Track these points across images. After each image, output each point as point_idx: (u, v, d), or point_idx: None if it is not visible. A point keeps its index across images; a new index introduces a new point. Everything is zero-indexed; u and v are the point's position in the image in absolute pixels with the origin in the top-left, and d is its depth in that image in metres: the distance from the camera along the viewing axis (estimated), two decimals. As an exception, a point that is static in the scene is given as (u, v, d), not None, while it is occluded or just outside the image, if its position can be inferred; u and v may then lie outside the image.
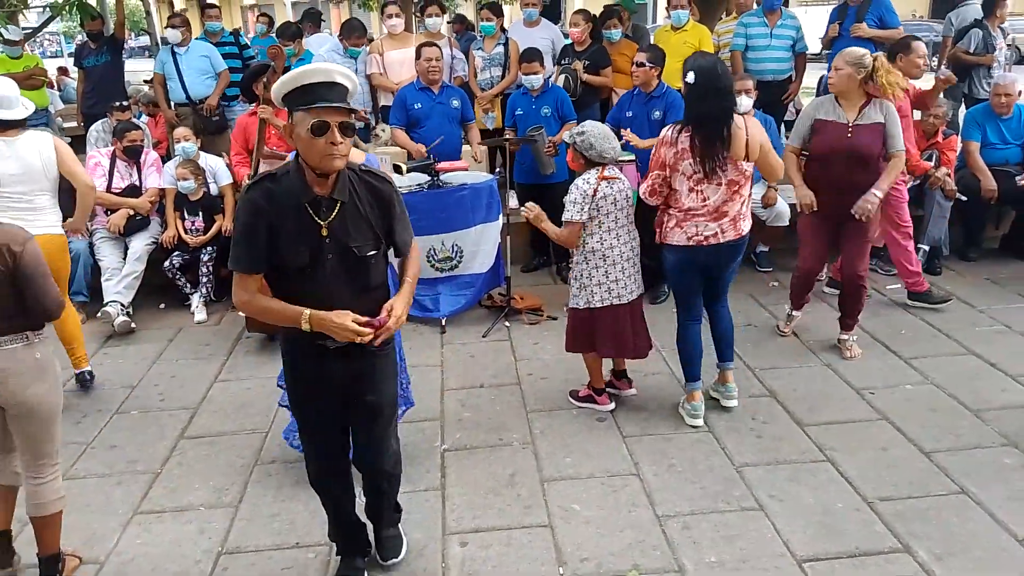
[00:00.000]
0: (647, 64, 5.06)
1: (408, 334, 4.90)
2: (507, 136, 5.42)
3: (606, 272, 3.84)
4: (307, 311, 2.34)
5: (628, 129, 5.15)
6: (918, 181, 5.81)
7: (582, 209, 3.74)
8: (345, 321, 2.34)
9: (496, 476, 3.58)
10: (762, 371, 4.49)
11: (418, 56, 5.48)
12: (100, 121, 6.20)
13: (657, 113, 5.06)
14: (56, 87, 11.99)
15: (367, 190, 2.44)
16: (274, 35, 7.86)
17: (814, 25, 9.83)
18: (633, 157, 5.04)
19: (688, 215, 3.75)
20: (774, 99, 6.71)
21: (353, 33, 6.76)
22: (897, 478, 3.47)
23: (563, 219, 3.78)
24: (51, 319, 2.82)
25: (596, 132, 3.73)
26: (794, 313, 4.98)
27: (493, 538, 3.16)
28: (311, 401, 2.66)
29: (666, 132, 3.73)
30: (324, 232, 2.36)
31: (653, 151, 3.81)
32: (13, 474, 2.95)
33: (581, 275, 3.90)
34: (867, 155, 4.27)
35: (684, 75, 3.62)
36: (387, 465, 2.86)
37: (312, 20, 7.78)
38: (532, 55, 5.63)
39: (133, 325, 5.34)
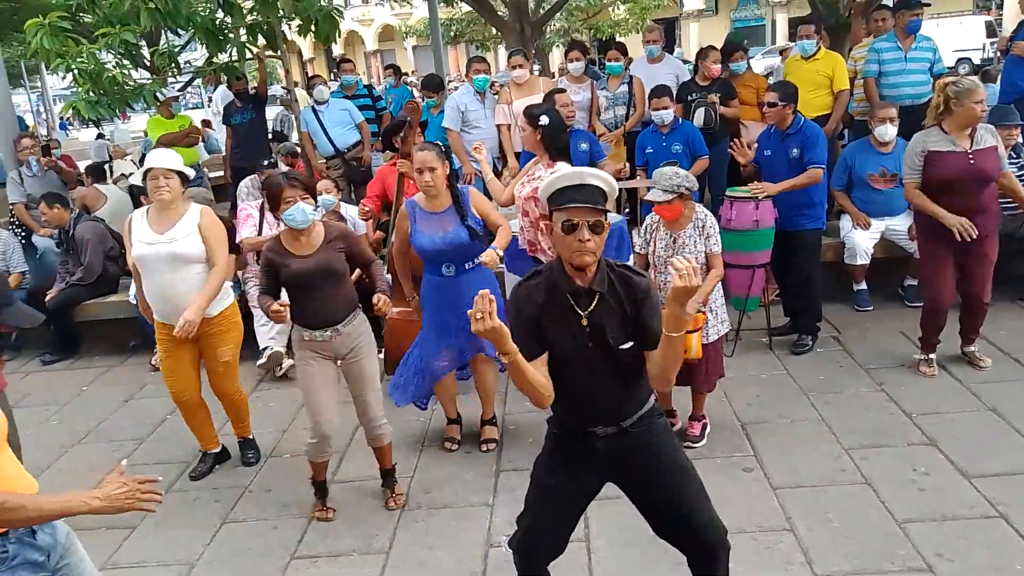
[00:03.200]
0: (779, 103, 4.92)
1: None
2: (639, 176, 5.40)
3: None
4: None
5: (760, 175, 5.06)
6: None
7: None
8: None
9: (639, 528, 3.46)
10: (920, 416, 4.24)
11: (552, 104, 5.53)
12: (249, 177, 6.59)
13: (795, 151, 4.91)
14: (201, 140, 12.88)
15: (622, 283, 2.47)
16: (407, 85, 8.16)
17: (947, 38, 9.35)
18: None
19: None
20: (914, 124, 6.38)
21: (432, 84, 7.33)
22: (1083, 538, 3.19)
23: (714, 251, 4.00)
24: None
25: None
26: (931, 356, 4.73)
27: (643, 596, 3.10)
28: (565, 478, 2.61)
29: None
30: (584, 323, 2.43)
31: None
32: None
33: (717, 305, 4.15)
34: (989, 178, 4.35)
35: (536, 119, 4.32)
36: (716, 535, 2.61)
37: (433, 87, 8.02)
38: (661, 91, 5.61)
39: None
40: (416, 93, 9.95)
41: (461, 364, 4.25)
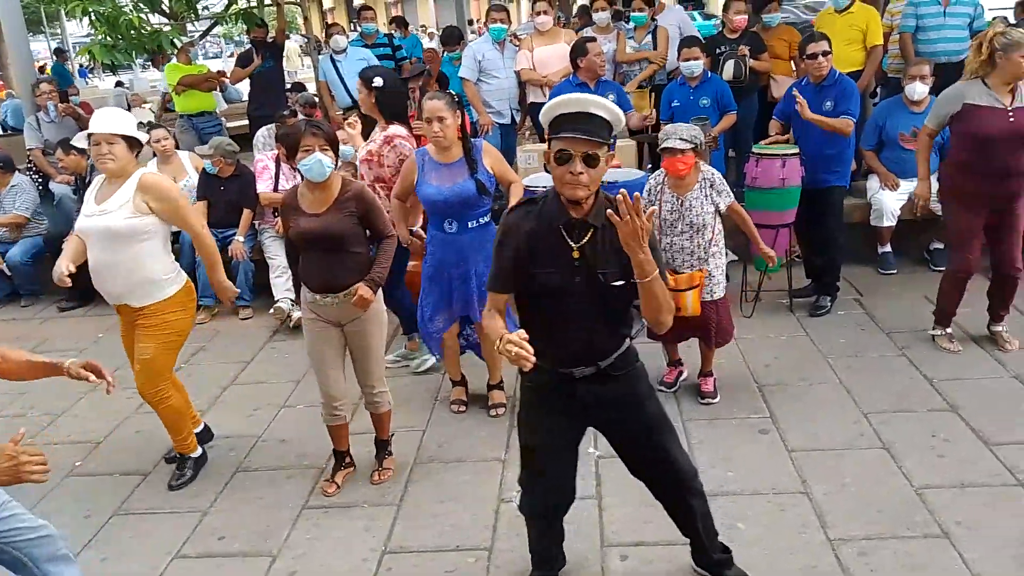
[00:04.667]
0: (823, 55, 4.75)
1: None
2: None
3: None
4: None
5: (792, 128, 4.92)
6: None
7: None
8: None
9: (654, 487, 3.48)
10: (942, 382, 4.16)
11: (585, 52, 5.39)
12: (266, 127, 6.52)
13: (829, 103, 4.76)
14: (220, 88, 12.80)
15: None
16: (417, 32, 8.02)
17: (989, -3, 9.04)
18: (796, 151, 4.78)
19: None
20: (950, 83, 6.17)
21: (452, 37, 7.28)
22: (1107, 509, 3.12)
23: (727, 203, 3.95)
24: None
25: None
26: (948, 331, 4.56)
27: (655, 553, 3.08)
28: (553, 426, 2.59)
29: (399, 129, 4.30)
30: (576, 255, 2.34)
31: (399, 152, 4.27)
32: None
33: (721, 265, 4.06)
34: None
35: (370, 81, 4.24)
36: (687, 477, 2.67)
37: (453, 40, 7.89)
38: (692, 41, 5.47)
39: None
40: (426, 43, 9.80)
41: (453, 322, 4.15)
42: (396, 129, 4.33)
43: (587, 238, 2.34)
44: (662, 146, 3.85)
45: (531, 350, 2.20)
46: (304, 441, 4.10)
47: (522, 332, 2.23)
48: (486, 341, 4.16)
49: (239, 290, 3.95)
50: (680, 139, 3.78)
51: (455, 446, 3.96)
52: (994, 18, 6.01)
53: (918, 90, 5.40)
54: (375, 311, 3.50)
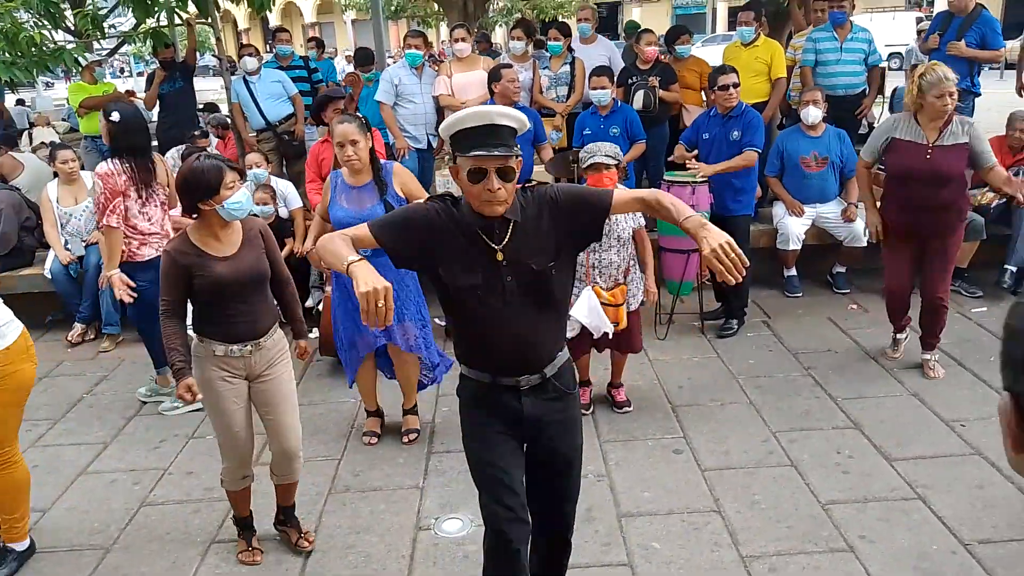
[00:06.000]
0: (733, 87, 4.94)
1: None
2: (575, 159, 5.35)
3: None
4: (355, 257, 2.11)
5: (698, 152, 5.08)
6: (1004, 200, 5.57)
7: None
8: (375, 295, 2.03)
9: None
10: (845, 400, 4.33)
11: (498, 78, 5.45)
12: (175, 148, 6.35)
13: (735, 133, 4.95)
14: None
15: (532, 202, 2.31)
16: (330, 58, 7.95)
17: (880, 32, 9.55)
18: (706, 178, 4.94)
19: (144, 234, 4.42)
20: (847, 114, 6.51)
21: (364, 59, 7.20)
22: (996, 519, 3.29)
23: (642, 224, 4.15)
24: None
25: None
26: (899, 336, 4.78)
27: (573, 577, 3.08)
28: (499, 442, 2.41)
29: (109, 166, 4.31)
30: (500, 256, 2.24)
31: (104, 184, 4.28)
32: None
33: (636, 279, 4.19)
34: (947, 176, 4.16)
35: (108, 114, 4.35)
36: (569, 532, 2.63)
37: (366, 62, 7.89)
38: (601, 71, 5.58)
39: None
40: (340, 67, 9.72)
41: (372, 350, 4.05)
42: (100, 166, 4.40)
43: (508, 236, 2.25)
44: (589, 163, 3.95)
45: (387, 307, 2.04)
46: (212, 473, 3.93)
47: (389, 286, 2.05)
48: (402, 365, 4.11)
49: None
50: (605, 155, 3.93)
51: (371, 475, 3.89)
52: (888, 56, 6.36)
53: (812, 114, 5.65)
54: (287, 357, 3.22)
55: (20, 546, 3.33)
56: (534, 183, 2.42)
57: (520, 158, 2.25)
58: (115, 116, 4.33)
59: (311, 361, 5.18)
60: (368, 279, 2.04)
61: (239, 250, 3.03)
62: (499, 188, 2.16)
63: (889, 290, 4.62)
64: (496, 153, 2.14)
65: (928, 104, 4.13)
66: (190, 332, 3.08)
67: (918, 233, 4.32)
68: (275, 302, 3.22)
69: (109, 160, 4.37)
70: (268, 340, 3.10)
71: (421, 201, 2.41)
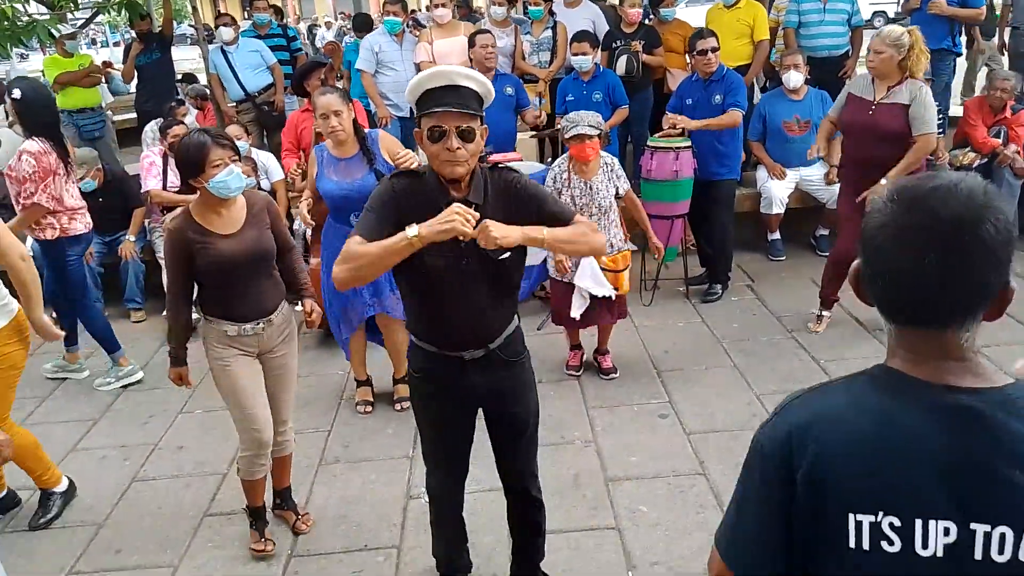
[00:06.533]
0: (711, 52, 4.92)
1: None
2: (558, 125, 5.33)
3: None
4: (413, 228, 2.13)
5: (683, 116, 5.06)
6: (986, 159, 5.61)
7: None
8: (451, 210, 2.12)
9: (560, 476, 3.56)
10: (828, 363, 4.39)
11: (472, 44, 5.41)
12: (154, 121, 6.27)
13: (718, 97, 4.94)
14: (104, 80, 12.20)
15: (499, 188, 2.33)
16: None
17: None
18: (689, 144, 4.93)
19: (73, 209, 4.37)
20: (830, 76, 6.49)
21: (362, 24, 6.88)
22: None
23: (625, 188, 4.14)
24: None
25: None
26: (824, 314, 4.78)
27: (561, 541, 3.14)
28: (446, 411, 2.55)
29: (39, 144, 4.13)
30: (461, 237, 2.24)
31: (39, 163, 4.12)
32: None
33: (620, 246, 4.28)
34: (888, 134, 4.20)
35: (10, 92, 4.19)
36: (535, 490, 2.75)
37: (365, 28, 7.80)
38: (582, 36, 5.53)
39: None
40: (325, 35, 9.57)
41: (362, 321, 4.08)
42: (28, 144, 4.15)
43: None
44: (571, 133, 3.94)
45: (474, 216, 2.13)
46: (203, 448, 3.99)
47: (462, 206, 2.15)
48: (391, 334, 4.13)
49: (63, 333, 3.54)
50: (588, 125, 3.92)
51: (361, 446, 3.93)
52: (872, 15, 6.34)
53: (793, 78, 5.65)
54: (295, 332, 3.21)
55: (60, 487, 3.55)
56: (503, 167, 2.43)
57: (485, 126, 2.27)
58: (16, 94, 4.14)
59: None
60: (442, 225, 2.10)
61: (243, 227, 2.94)
62: (458, 148, 2.16)
63: (839, 249, 4.61)
64: (454, 110, 2.14)
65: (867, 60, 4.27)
66: (195, 315, 3.07)
67: (863, 189, 4.35)
68: (280, 280, 3.14)
69: (35, 138, 4.16)
70: (278, 315, 3.07)
71: (380, 183, 2.40)
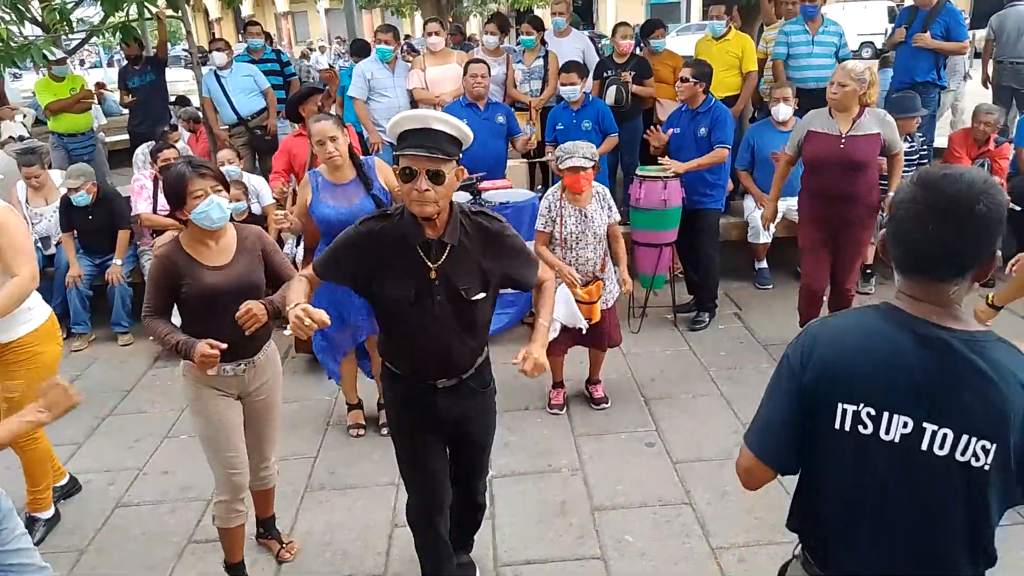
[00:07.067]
0: (691, 80, 4.99)
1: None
2: (548, 153, 5.39)
3: None
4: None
5: (668, 151, 5.14)
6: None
7: None
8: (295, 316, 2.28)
9: (546, 504, 3.56)
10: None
11: (465, 72, 5.48)
12: (145, 144, 6.29)
13: (703, 130, 5.00)
14: (97, 101, 12.21)
15: (477, 231, 2.40)
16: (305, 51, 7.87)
17: (852, 22, 9.68)
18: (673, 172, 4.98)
19: None
20: (818, 107, 6.58)
21: (359, 49, 7.03)
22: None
23: (615, 220, 4.16)
24: None
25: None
26: None
27: (547, 570, 3.14)
28: (420, 435, 2.64)
29: None
30: (433, 275, 2.35)
31: None
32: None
33: (612, 275, 4.25)
34: (858, 163, 4.33)
35: None
36: (481, 497, 2.96)
37: (361, 53, 7.85)
38: (571, 67, 5.60)
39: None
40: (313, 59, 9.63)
41: (356, 344, 4.11)
42: None
43: (444, 257, 2.35)
44: (566, 165, 3.95)
45: (320, 320, 2.24)
46: (188, 472, 3.97)
47: (310, 308, 2.27)
48: (376, 357, 4.13)
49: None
50: (583, 157, 3.93)
51: (347, 472, 3.92)
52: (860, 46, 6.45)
53: (782, 111, 5.73)
54: (279, 372, 3.12)
55: (45, 515, 3.57)
56: (492, 215, 2.49)
57: (462, 167, 2.34)
58: None
59: (286, 358, 5.18)
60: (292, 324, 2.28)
61: (232, 259, 2.85)
62: (427, 189, 2.23)
63: (805, 284, 4.71)
64: (423, 154, 2.21)
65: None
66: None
67: (831, 223, 4.46)
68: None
69: None
70: (263, 355, 2.97)
71: (351, 227, 2.47)
